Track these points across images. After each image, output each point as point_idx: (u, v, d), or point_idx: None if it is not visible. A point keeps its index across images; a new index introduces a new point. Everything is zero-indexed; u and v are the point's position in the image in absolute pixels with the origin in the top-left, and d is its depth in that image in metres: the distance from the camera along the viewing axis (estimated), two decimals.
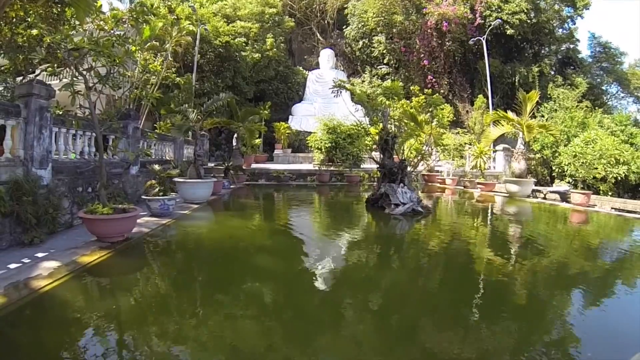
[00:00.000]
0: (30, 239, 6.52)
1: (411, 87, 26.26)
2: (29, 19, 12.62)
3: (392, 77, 32.82)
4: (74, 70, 7.11)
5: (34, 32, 7.75)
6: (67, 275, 5.06)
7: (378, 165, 12.72)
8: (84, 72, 7.09)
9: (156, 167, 10.08)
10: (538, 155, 23.42)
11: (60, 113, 7.51)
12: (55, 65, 7.25)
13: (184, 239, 8.26)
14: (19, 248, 6.33)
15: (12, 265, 5.40)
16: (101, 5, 7.85)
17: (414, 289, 5.65)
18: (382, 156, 12.54)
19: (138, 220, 7.71)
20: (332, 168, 21.88)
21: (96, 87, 7.51)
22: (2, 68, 16.63)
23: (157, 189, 9.46)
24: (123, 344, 3.65)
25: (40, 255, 5.96)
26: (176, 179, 11.28)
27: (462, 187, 20.40)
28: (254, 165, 23.05)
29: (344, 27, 36.91)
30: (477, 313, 4.57)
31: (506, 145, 23.09)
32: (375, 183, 16.79)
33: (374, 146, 14.19)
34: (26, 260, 5.65)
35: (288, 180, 20.37)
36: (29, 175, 6.95)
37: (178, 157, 16.68)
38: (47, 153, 7.45)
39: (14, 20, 14.04)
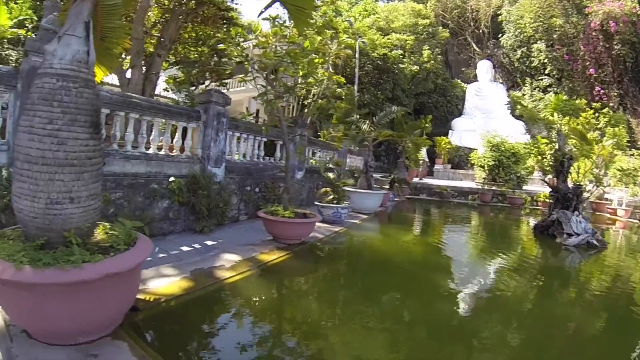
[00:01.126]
0: (201, 227, 7.22)
1: (576, 100, 23.59)
2: (214, 37, 14.38)
3: (555, 89, 29.58)
4: (265, 80, 7.67)
5: (220, 46, 8.50)
6: (248, 271, 5.36)
7: (551, 190, 11.56)
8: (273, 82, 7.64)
9: (331, 175, 10.38)
10: None
11: (251, 119, 8.17)
12: (244, 75, 7.91)
13: (353, 249, 8.45)
14: (190, 234, 7.07)
15: (184, 248, 6.05)
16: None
17: (568, 334, 4.80)
18: (555, 179, 11.41)
19: None
20: (494, 188, 20.72)
21: (282, 96, 8.00)
22: (178, 80, 19.11)
23: (331, 197, 9.74)
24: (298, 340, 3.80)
25: (209, 243, 6.57)
26: (346, 188, 11.46)
27: (638, 220, 17.34)
28: (415, 180, 22.83)
29: (499, 36, 34.62)
30: None
31: None
32: (538, 207, 15.42)
33: (547, 167, 12.93)
34: (197, 246, 6.26)
35: (449, 197, 20.00)
36: (205, 172, 7.67)
37: (341, 166, 17.08)
38: (221, 154, 8.16)
39: (188, 40, 16.17)
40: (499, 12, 34.88)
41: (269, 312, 4.47)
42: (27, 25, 11.89)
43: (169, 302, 4.02)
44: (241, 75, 7.92)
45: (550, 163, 11.81)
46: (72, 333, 2.89)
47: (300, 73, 7.57)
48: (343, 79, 10.05)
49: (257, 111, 26.94)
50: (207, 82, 19.62)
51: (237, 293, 4.79)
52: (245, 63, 7.62)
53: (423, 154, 23.94)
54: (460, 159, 28.53)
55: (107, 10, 3.86)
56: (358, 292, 5.61)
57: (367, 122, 13.24)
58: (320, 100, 9.23)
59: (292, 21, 4.76)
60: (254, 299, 4.80)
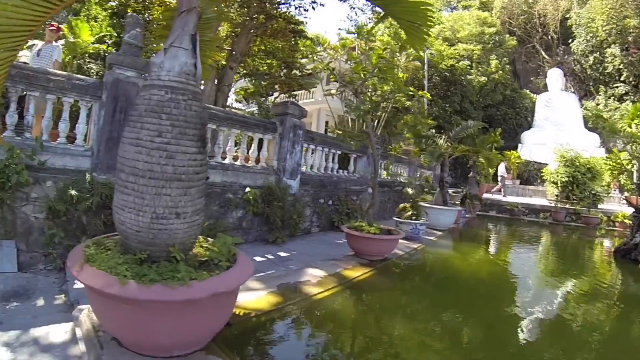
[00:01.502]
0: (274, 238, 7.23)
1: None
2: (283, 50, 14.70)
3: (632, 98, 27.62)
4: (354, 94, 7.61)
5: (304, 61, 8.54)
6: (335, 287, 5.22)
7: (634, 210, 10.65)
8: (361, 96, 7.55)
9: (410, 190, 10.20)
10: None
11: (340, 133, 8.17)
12: (336, 89, 8.00)
13: (435, 267, 8.26)
14: (263, 244, 7.09)
15: (258, 258, 6.06)
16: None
17: None
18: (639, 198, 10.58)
19: None
20: (567, 206, 19.53)
21: (371, 110, 7.92)
22: (248, 91, 19.66)
23: (409, 212, 9.56)
24: None
25: (282, 254, 6.53)
26: (422, 204, 11.25)
27: None
28: (485, 195, 22.06)
29: (569, 41, 32.88)
30: None
31: None
32: (615, 229, 15.19)
33: (628, 184, 12.03)
34: (270, 257, 6.28)
35: (520, 215, 19.16)
36: (280, 184, 7.69)
37: (430, 182, 16.89)
38: (297, 166, 8.16)
39: (257, 53, 16.57)
40: (567, 16, 33.22)
41: (361, 331, 4.33)
42: (107, 40, 12.64)
43: (259, 317, 3.96)
44: (333, 90, 7.91)
45: (634, 180, 10.96)
46: (168, 346, 2.84)
47: (386, 87, 7.45)
48: (428, 95, 9.79)
49: (327, 123, 27.07)
50: (276, 94, 20.01)
51: (326, 310, 4.68)
52: (332, 77, 7.60)
53: (502, 169, 23.17)
54: (529, 174, 27.24)
55: (202, 24, 3.88)
56: (450, 311, 5.34)
57: (443, 137, 12.92)
58: (406, 116, 9.02)
59: (408, 37, 4.54)
60: (345, 316, 4.67)
